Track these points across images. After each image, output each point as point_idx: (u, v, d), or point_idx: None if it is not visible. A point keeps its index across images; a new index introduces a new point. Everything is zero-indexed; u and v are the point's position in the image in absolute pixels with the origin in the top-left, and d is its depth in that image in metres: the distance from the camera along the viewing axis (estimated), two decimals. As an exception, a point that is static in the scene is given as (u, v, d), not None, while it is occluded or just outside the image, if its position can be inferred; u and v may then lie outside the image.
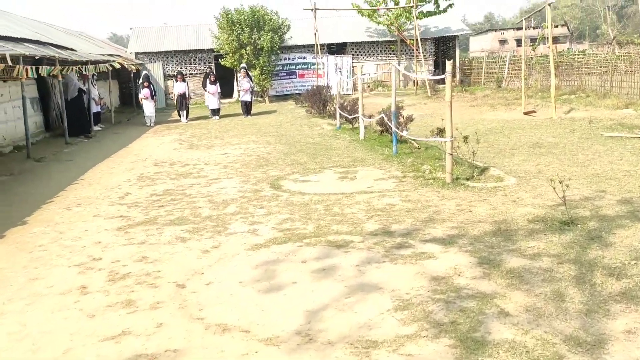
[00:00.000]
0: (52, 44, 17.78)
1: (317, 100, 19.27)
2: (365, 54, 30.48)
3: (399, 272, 5.29)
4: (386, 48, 30.67)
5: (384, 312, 4.43)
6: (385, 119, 12.77)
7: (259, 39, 26.09)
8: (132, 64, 24.71)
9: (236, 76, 26.32)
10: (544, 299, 4.46)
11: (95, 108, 18.91)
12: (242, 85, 20.54)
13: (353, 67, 29.47)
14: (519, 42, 52.05)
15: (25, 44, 15.31)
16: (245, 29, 25.76)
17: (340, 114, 15.73)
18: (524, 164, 9.83)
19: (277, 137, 15.25)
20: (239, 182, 9.73)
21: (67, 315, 4.68)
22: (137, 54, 28.25)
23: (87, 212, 8.23)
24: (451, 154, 8.56)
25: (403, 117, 12.85)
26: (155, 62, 28.13)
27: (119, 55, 26.21)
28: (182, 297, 4.93)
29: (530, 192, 7.81)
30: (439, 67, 31.77)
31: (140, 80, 19.33)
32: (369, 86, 29.32)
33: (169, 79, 28.17)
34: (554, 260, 5.30)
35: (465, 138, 9.32)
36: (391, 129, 12.56)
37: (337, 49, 30.61)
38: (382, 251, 5.87)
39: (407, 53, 30.30)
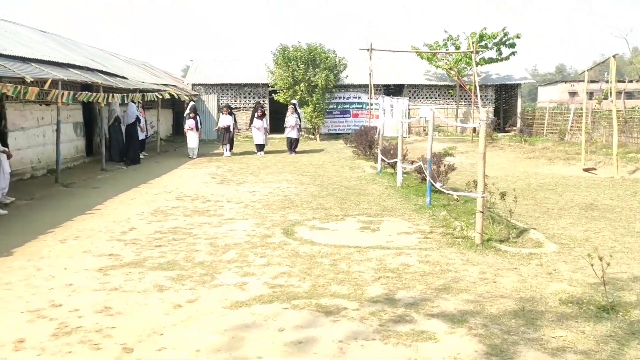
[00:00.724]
0: (100, 71, 17.92)
1: (364, 141, 18.52)
2: (423, 97, 29.66)
3: (385, 355, 4.36)
4: (444, 92, 29.76)
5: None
6: (423, 166, 11.84)
7: (314, 76, 25.77)
8: (186, 94, 24.84)
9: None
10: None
11: (140, 135, 18.82)
12: (289, 122, 20.09)
13: (409, 109, 28.67)
14: (591, 95, 49.91)
15: (71, 69, 15.40)
16: (301, 65, 25.53)
17: (382, 158, 14.88)
18: (571, 228, 8.65)
19: (313, 177, 14.56)
20: (253, 224, 9.01)
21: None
22: (193, 85, 28.50)
23: (79, 246, 7.69)
24: (482, 212, 7.55)
25: (445, 166, 11.87)
26: (210, 93, 28.27)
27: (174, 86, 26.49)
28: (121, 364, 4.18)
29: (570, 264, 6.68)
30: (499, 114, 30.45)
31: (187, 111, 19.13)
32: (424, 130, 28.37)
33: (220, 111, 28.23)
34: (581, 359, 4.23)
35: (503, 195, 8.29)
36: (435, 176, 11.64)
37: (395, 90, 29.94)
38: (375, 324, 4.95)
39: (466, 98, 29.24)
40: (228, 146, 19.50)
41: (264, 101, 28.15)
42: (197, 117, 18.60)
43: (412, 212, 9.90)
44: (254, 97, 28.50)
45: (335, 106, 28.17)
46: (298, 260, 6.96)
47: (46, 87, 12.33)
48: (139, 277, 6.31)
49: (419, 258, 7.02)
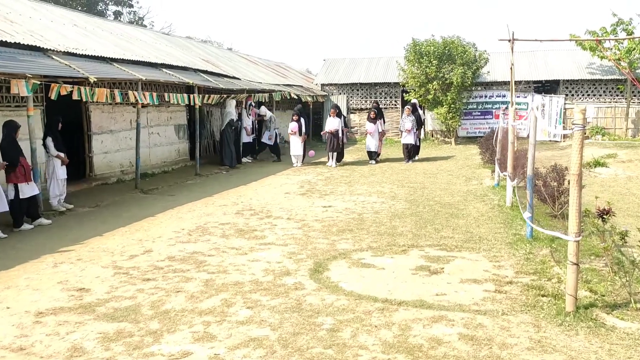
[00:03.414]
0: (206, 71, 17.25)
1: (490, 147, 15.70)
2: (583, 94, 25.36)
3: None
4: (611, 88, 25.14)
5: None
6: (541, 182, 9.09)
7: (449, 72, 23.13)
8: (310, 95, 23.66)
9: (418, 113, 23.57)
10: None
11: (246, 138, 17.89)
12: (405, 125, 17.61)
13: (564, 109, 24.67)
14: None
15: (164, 69, 14.78)
16: (434, 61, 23.01)
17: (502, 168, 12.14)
18: None
19: (413, 189, 12.33)
20: (285, 254, 7.21)
21: None
22: (322, 85, 27.25)
23: (61, 274, 6.50)
24: (576, 264, 4.95)
25: (569, 182, 8.97)
26: (340, 94, 26.84)
27: (300, 86, 25.48)
28: None
29: None
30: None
31: (293, 113, 17.43)
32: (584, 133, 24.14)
33: (352, 113, 26.70)
34: None
35: (623, 236, 5.55)
36: (547, 197, 8.89)
37: (549, 87, 26.02)
38: None
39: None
40: (334, 155, 16.94)
41: (395, 101, 26.10)
42: (302, 119, 16.84)
43: (503, 246, 7.37)
44: (385, 97, 26.48)
45: (475, 106, 25.10)
46: (292, 317, 5.03)
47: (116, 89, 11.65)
48: (70, 329, 4.85)
49: (465, 330, 4.70)
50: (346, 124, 17.91)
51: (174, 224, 9.20)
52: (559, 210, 8.61)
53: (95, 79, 10.74)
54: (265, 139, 18.15)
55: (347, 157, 19.49)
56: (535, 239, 7.46)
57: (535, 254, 6.95)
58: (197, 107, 14.69)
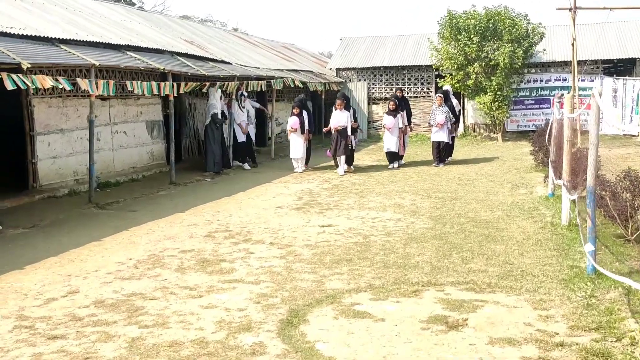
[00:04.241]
0: (186, 54, 16.45)
1: (545, 144, 14.57)
2: (667, 76, 24.02)
3: None
4: None
5: None
6: (609, 196, 8.00)
7: (494, 51, 22.07)
8: (319, 83, 22.75)
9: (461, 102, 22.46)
10: None
11: (240, 137, 17.02)
12: (436, 118, 16.38)
13: (641, 95, 23.35)
14: None
15: (129, 52, 13.99)
16: (474, 38, 21.94)
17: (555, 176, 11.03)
18: None
19: (442, 202, 11.33)
20: (249, 298, 6.30)
21: None
22: (338, 70, 26.33)
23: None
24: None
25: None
26: (360, 80, 25.90)
27: (310, 71, 24.60)
28: None
29: None
30: None
31: (293, 105, 16.40)
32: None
33: (374, 103, 25.73)
34: None
35: None
36: (616, 215, 7.81)
37: (623, 67, 24.70)
38: None
39: None
40: (343, 159, 15.55)
41: (427, 88, 25.15)
42: (304, 113, 15.82)
43: (554, 285, 6.33)
44: (414, 84, 25.47)
45: (527, 93, 23.93)
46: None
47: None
48: None
49: None
50: (355, 119, 16.65)
51: (122, 251, 8.35)
52: (635, 233, 7.52)
53: (30, 65, 9.95)
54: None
55: (365, 158, 18.56)
56: (599, 275, 6.38)
57: (599, 297, 5.90)
58: (171, 98, 13.85)
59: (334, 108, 15.84)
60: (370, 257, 7.70)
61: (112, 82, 11.87)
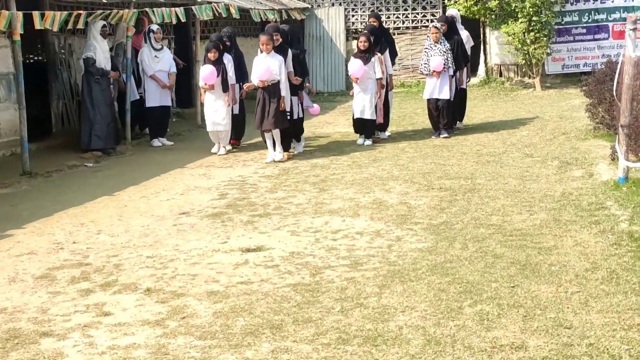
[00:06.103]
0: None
1: (608, 96, 13.27)
2: None
3: None
4: None
5: None
6: None
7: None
8: (270, 10, 21.58)
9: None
10: None
11: (153, 99, 16.14)
12: (432, 62, 14.89)
13: None
14: None
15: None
16: None
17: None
18: None
19: (447, 197, 10.04)
20: None
21: None
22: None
23: None
24: None
25: None
26: (333, 4, 25.70)
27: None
28: None
29: None
30: None
31: (207, 46, 14.95)
32: None
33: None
34: None
35: None
36: None
37: None
38: None
39: None
40: (277, 137, 13.78)
41: (432, 15, 24.13)
42: (226, 58, 14.70)
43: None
44: (414, 9, 25.38)
45: (576, 18, 23.37)
46: None
47: None
48: None
49: None
50: (305, 71, 15.43)
51: None
52: None
53: None
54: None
55: (338, 121, 17.17)
56: None
57: None
58: (16, 37, 12.57)
59: (260, 49, 13.98)
60: (317, 317, 5.98)
61: None
